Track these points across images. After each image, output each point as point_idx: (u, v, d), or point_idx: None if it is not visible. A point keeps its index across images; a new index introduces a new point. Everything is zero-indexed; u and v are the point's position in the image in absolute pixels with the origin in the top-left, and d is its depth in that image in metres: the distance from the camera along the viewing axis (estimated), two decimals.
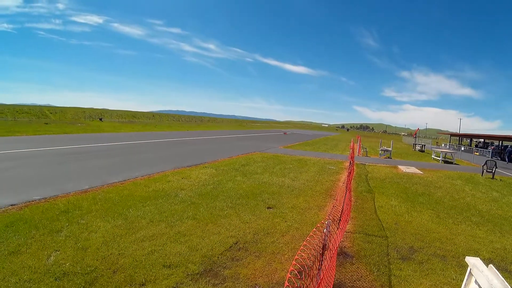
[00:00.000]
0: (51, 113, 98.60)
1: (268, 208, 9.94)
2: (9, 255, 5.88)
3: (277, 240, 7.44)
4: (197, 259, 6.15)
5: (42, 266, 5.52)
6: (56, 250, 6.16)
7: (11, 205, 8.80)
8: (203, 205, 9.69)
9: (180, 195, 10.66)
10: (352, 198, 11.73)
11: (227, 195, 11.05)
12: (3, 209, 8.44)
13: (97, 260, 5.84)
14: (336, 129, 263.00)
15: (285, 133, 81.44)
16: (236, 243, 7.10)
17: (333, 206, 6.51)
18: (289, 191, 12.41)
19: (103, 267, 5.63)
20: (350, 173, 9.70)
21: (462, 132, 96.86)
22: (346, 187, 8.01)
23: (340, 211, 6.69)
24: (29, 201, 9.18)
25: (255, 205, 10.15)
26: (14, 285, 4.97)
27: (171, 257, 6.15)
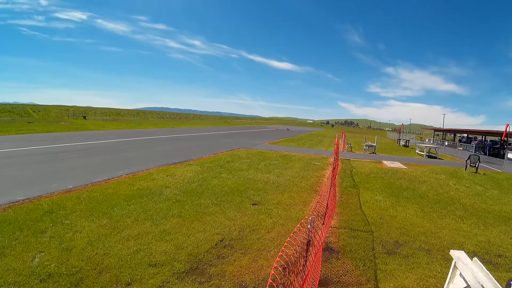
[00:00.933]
0: (34, 111, 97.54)
1: (253, 204, 9.96)
2: None
3: (263, 236, 7.47)
4: (183, 257, 6.14)
5: (27, 268, 5.48)
6: (41, 252, 6.12)
7: None
8: (188, 203, 9.68)
9: (165, 193, 10.63)
10: (337, 194, 11.81)
11: (212, 192, 11.05)
12: None
13: (82, 261, 5.81)
14: (321, 125, 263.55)
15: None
16: (222, 240, 7.11)
17: (318, 201, 6.54)
18: (274, 187, 12.45)
19: (88, 267, 5.60)
20: (334, 168, 9.75)
21: (446, 127, 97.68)
22: (331, 183, 8.05)
23: (325, 206, 6.73)
24: (13, 202, 9.09)
25: (240, 202, 10.17)
26: None
27: (156, 256, 6.14)
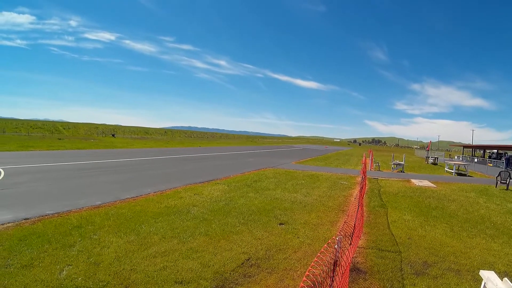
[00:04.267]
0: (64, 128, 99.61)
1: (280, 224, 9.90)
2: (22, 268, 5.95)
3: (289, 256, 7.40)
4: (209, 276, 6.13)
5: (55, 280, 5.55)
6: (69, 265, 6.20)
7: (25, 219, 8.92)
8: (215, 221, 9.68)
9: (192, 212, 10.66)
10: (365, 213, 11.66)
11: (239, 211, 11.03)
12: (17, 223, 8.55)
13: (109, 275, 5.86)
14: (348, 144, 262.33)
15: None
16: (248, 259, 7.08)
17: (345, 221, 6.47)
18: (301, 207, 12.35)
19: (115, 282, 5.64)
20: (362, 188, 9.64)
21: (474, 143, 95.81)
22: (359, 202, 7.96)
23: (353, 226, 6.65)
24: (42, 216, 9.29)
25: (267, 221, 10.12)
26: None
27: (183, 273, 6.14)
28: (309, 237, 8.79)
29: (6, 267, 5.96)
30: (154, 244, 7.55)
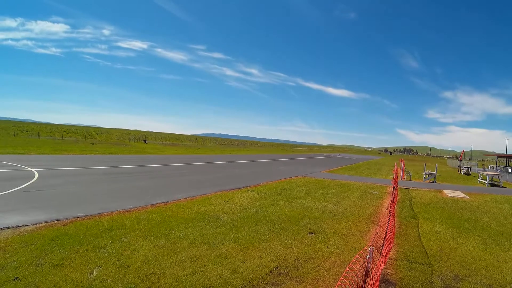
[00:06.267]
0: (97, 133, 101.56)
1: (310, 233, 9.82)
2: (53, 267, 6.06)
3: (319, 265, 7.32)
4: (237, 282, 6.11)
5: (84, 280, 5.63)
6: (99, 266, 6.28)
7: (57, 220, 9.13)
8: (244, 229, 9.67)
9: (222, 218, 10.68)
10: (396, 224, 11.48)
11: (269, 219, 10.99)
12: (49, 223, 8.76)
13: (138, 278, 5.90)
14: (379, 153, 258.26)
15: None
16: (277, 267, 7.03)
17: (376, 232, 6.37)
18: (331, 216, 12.23)
19: (144, 285, 5.67)
20: (393, 198, 9.49)
21: (509, 153, 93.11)
22: (390, 213, 7.84)
23: (383, 237, 6.54)
24: (74, 217, 9.48)
25: (297, 229, 10.04)
26: None
27: (211, 279, 6.13)
28: (339, 247, 8.69)
29: (38, 266, 6.09)
30: (184, 249, 7.59)
